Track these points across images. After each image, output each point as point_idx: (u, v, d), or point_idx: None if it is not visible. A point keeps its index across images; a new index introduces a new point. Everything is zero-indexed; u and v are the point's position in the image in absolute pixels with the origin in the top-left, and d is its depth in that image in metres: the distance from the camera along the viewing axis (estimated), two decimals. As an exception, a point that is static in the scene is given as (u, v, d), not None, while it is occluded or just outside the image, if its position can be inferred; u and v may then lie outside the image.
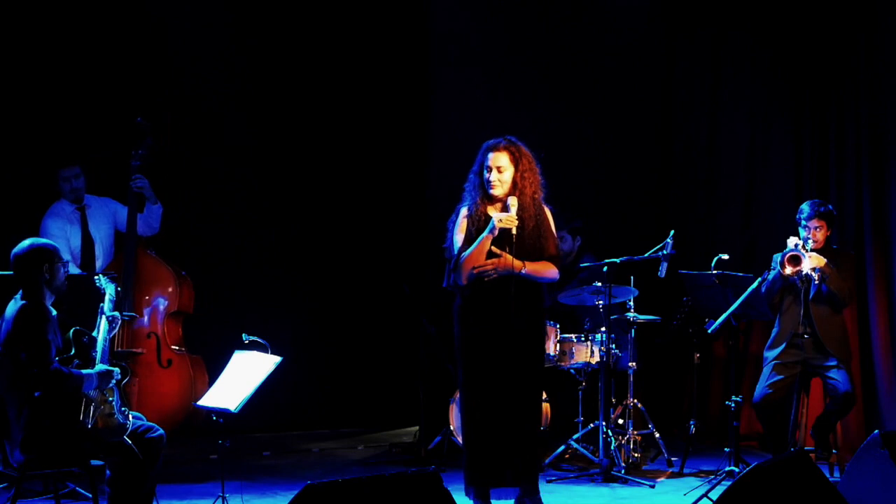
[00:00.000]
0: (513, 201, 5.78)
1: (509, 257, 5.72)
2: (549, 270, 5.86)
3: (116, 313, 5.53)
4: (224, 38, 8.54)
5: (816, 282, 6.93)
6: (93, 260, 7.46)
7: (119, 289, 5.70)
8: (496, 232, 5.71)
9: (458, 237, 5.83)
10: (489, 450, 5.75)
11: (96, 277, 5.64)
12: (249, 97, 8.74)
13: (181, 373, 7.40)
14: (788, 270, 6.84)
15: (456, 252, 5.81)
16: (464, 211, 5.88)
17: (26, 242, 5.36)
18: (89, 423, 5.16)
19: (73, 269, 7.25)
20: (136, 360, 7.33)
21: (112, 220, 7.62)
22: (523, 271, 5.75)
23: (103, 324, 5.44)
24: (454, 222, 5.90)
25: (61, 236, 7.33)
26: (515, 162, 5.82)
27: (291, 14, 8.81)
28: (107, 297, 5.52)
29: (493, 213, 5.80)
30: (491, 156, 5.82)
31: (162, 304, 7.51)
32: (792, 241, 6.87)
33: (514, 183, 5.82)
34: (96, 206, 7.57)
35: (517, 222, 5.73)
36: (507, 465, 5.76)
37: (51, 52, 7.89)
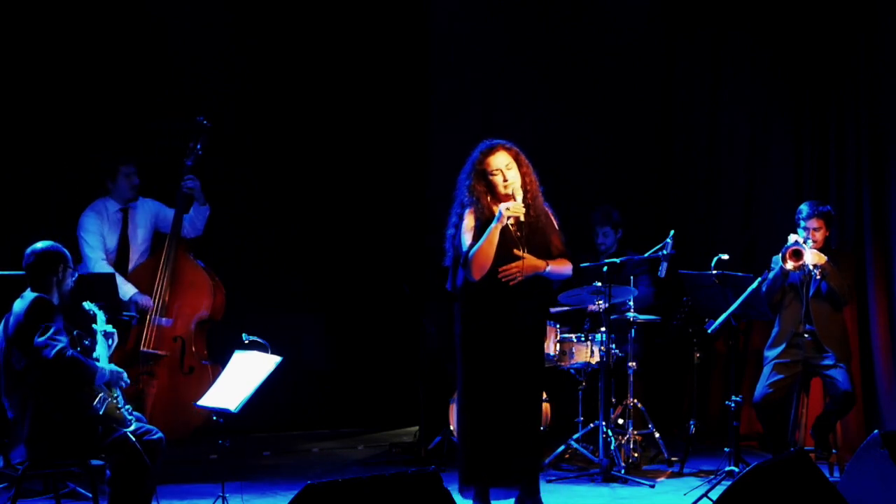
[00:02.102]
0: (517, 192, 5.69)
1: (532, 258, 5.69)
2: (567, 267, 5.83)
3: (110, 327, 5.53)
4: (224, 38, 8.54)
5: (818, 277, 6.94)
6: (126, 262, 7.43)
7: (105, 309, 5.65)
8: (503, 221, 5.60)
9: (467, 236, 5.68)
10: (488, 448, 5.70)
11: (84, 304, 5.55)
12: (249, 97, 8.74)
13: (201, 382, 7.19)
14: (790, 265, 6.82)
15: (465, 250, 5.66)
16: (469, 213, 5.72)
17: (45, 243, 5.46)
18: (101, 410, 5.22)
19: (107, 268, 7.22)
20: (159, 362, 7.30)
21: (153, 222, 7.57)
22: (547, 270, 5.72)
23: (100, 340, 5.46)
24: (457, 226, 5.74)
25: (97, 233, 7.30)
26: (517, 161, 5.76)
27: (291, 14, 8.81)
28: (98, 319, 5.51)
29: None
30: (491, 159, 5.73)
31: (194, 309, 7.45)
32: (793, 238, 6.87)
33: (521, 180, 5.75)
34: (140, 209, 7.53)
35: (524, 209, 5.65)
36: (507, 465, 5.72)
37: (50, 53, 7.88)
